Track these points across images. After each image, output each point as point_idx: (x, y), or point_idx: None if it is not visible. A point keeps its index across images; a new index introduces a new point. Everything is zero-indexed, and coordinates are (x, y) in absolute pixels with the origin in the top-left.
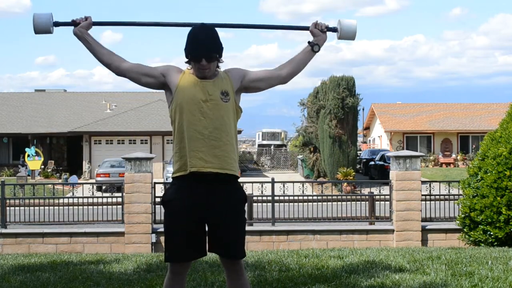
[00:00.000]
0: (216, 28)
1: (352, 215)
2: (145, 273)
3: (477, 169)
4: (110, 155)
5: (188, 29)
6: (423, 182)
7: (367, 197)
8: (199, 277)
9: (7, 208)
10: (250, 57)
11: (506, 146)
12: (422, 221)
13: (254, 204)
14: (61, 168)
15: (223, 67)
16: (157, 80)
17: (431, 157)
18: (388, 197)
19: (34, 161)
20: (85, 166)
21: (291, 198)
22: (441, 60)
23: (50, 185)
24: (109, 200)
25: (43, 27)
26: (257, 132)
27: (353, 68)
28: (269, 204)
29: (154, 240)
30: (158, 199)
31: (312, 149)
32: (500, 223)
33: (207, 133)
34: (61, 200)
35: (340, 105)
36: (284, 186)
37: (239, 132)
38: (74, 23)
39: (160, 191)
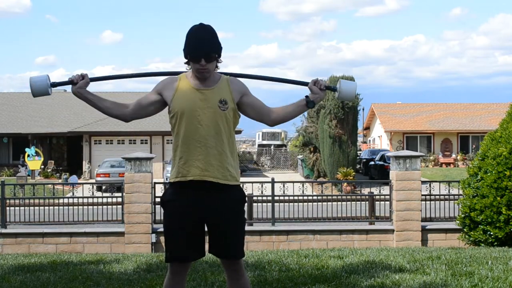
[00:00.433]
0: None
1: (352, 215)
2: (145, 273)
3: (477, 169)
4: (110, 155)
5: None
6: (423, 182)
7: (367, 197)
8: (199, 277)
9: (7, 208)
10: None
11: (506, 146)
12: (422, 221)
13: (254, 204)
14: (61, 168)
15: (222, 66)
16: (159, 103)
17: (431, 157)
18: (388, 197)
19: (34, 161)
20: (85, 166)
21: (291, 198)
22: (441, 60)
23: (50, 185)
24: (109, 200)
25: (41, 91)
26: (257, 132)
27: (353, 68)
28: (269, 204)
29: (154, 240)
30: (158, 199)
31: (312, 149)
32: (500, 223)
33: (204, 142)
34: (61, 200)
35: (340, 105)
36: (284, 186)
37: (240, 132)
38: (71, 82)
39: (160, 191)
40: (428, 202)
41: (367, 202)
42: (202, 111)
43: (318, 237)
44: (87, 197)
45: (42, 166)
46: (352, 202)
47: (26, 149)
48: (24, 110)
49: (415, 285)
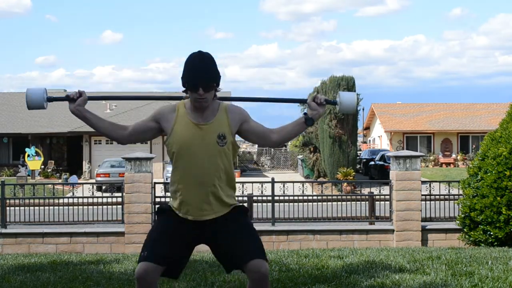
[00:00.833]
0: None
1: (352, 215)
2: None
3: (477, 169)
4: (110, 155)
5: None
6: (423, 182)
7: (367, 197)
8: (199, 277)
9: (7, 208)
10: (250, 57)
11: (506, 146)
12: (422, 221)
13: (254, 204)
14: (61, 168)
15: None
16: (156, 130)
17: (431, 157)
18: (388, 197)
19: (34, 161)
20: (85, 166)
21: (291, 198)
22: (441, 60)
23: (50, 185)
24: (109, 200)
25: (36, 104)
26: None
27: (353, 68)
28: (269, 204)
29: None
30: (158, 199)
31: (312, 149)
32: (500, 223)
33: (201, 180)
34: (61, 200)
35: None
36: (284, 186)
37: None
38: (68, 99)
39: (160, 191)
40: (428, 202)
41: (367, 202)
42: (200, 148)
43: (318, 237)
44: (87, 197)
45: (42, 166)
46: (352, 202)
47: (26, 149)
48: (24, 110)
49: (415, 285)
